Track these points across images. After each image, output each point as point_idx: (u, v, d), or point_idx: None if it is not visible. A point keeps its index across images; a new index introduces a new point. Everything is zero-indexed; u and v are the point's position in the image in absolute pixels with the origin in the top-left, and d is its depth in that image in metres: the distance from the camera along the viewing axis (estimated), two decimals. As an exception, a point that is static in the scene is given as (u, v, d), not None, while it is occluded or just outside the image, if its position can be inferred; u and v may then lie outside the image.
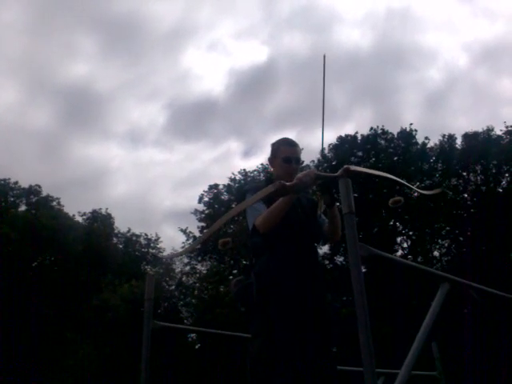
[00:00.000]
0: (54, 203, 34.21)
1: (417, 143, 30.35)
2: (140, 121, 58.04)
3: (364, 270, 25.51)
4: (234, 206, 27.61)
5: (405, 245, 30.11)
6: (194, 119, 55.71)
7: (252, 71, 57.79)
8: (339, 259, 29.21)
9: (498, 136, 28.70)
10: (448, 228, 29.18)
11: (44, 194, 34.44)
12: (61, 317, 28.55)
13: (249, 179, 31.71)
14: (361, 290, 2.12)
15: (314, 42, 54.43)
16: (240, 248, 25.78)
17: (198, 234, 31.69)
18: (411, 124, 30.78)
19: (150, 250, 36.37)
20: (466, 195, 29.07)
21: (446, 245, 29.73)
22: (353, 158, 29.61)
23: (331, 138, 31.85)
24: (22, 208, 34.06)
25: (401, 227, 30.18)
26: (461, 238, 28.27)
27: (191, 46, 63.54)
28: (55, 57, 54.70)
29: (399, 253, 29.35)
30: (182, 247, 32.05)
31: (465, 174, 29.10)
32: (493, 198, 27.00)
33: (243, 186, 29.90)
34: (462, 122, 49.72)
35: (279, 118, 52.42)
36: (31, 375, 26.17)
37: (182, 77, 59.17)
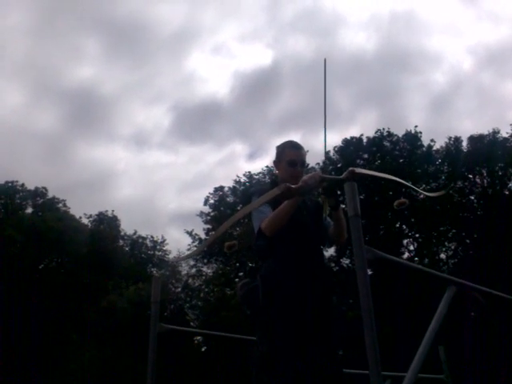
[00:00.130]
0: (60, 205, 34.34)
1: (422, 146, 30.28)
2: (145, 123, 58.21)
3: (370, 273, 25.50)
4: (239, 208, 27.61)
5: (411, 247, 30.04)
6: (198, 122, 55.80)
7: (256, 74, 57.91)
8: (345, 262, 29.18)
9: (504, 138, 28.62)
10: (454, 230, 29.08)
11: (50, 196, 34.60)
12: (66, 319, 28.60)
13: (254, 182, 31.72)
14: (367, 292, 2.12)
15: (318, 45, 54.48)
16: (245, 250, 25.77)
17: (203, 236, 31.74)
18: (416, 126, 30.75)
19: (156, 253, 36.42)
20: (472, 197, 28.97)
21: (453, 247, 29.62)
22: (358, 161, 29.57)
23: (336, 140, 31.84)
24: (29, 210, 34.21)
25: (407, 230, 30.10)
26: (467, 241, 28.17)
27: (196, 49, 63.82)
28: (60, 59, 54.90)
29: (405, 255, 29.26)
30: (188, 249, 32.11)
31: (471, 176, 29.00)
32: (499, 200, 26.90)
33: (248, 189, 29.92)
34: (467, 124, 49.57)
35: (284, 120, 52.48)
36: (35, 378, 26.21)
37: (187, 79, 59.32)
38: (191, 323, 31.18)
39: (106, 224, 34.97)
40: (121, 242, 35.80)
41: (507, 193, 28.10)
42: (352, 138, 30.87)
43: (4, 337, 26.09)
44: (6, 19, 54.48)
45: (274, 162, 3.39)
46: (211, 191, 33.29)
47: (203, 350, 30.25)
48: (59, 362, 27.06)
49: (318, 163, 27.41)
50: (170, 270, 33.49)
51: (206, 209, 32.87)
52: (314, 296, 3.00)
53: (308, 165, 20.99)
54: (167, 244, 36.45)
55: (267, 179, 30.40)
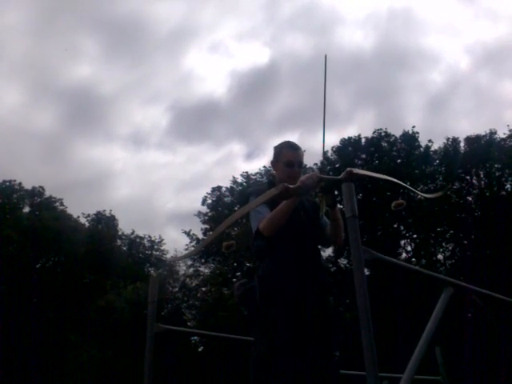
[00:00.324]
0: (57, 204, 34.29)
1: (420, 146, 30.30)
2: (143, 123, 58.15)
3: (367, 273, 25.50)
4: (236, 208, 27.61)
5: (409, 248, 30.07)
6: (196, 121, 55.81)
7: (254, 73, 57.86)
8: (343, 262, 29.19)
9: (502, 139, 28.64)
10: (452, 231, 29.11)
11: (47, 195, 34.56)
12: (63, 319, 28.57)
13: (251, 182, 31.73)
14: (364, 293, 2.12)
15: (316, 43, 54.44)
16: (243, 250, 25.77)
17: (201, 236, 31.72)
18: (413, 127, 30.76)
19: (154, 252, 36.41)
20: (469, 198, 28.99)
21: (450, 248, 29.65)
22: (356, 161, 29.57)
23: (334, 140, 31.86)
24: (26, 210, 34.15)
25: (404, 230, 30.12)
26: (465, 242, 28.20)
27: (193, 48, 63.71)
28: (58, 59, 54.83)
29: (403, 256, 29.28)
30: (186, 249, 32.06)
31: (468, 177, 29.03)
32: (496, 201, 26.93)
33: (246, 189, 29.93)
34: (464, 124, 49.58)
35: (281, 119, 52.48)
36: (34, 378, 26.18)
37: (185, 79, 59.31)
38: (188, 323, 31.17)
39: (104, 223, 34.95)
40: (118, 242, 35.78)
41: (504, 193, 28.12)
42: (350, 138, 30.89)
43: (2, 337, 26.04)
44: (4, 18, 54.45)
45: (272, 162, 3.39)
46: (209, 191, 33.32)
47: (200, 350, 30.24)
48: (57, 362, 27.03)
49: (316, 163, 27.42)
50: (167, 269, 33.48)
51: (204, 209, 32.90)
52: (312, 296, 3.00)
53: (306, 165, 20.99)
54: (165, 244, 36.48)
55: (265, 179, 30.39)
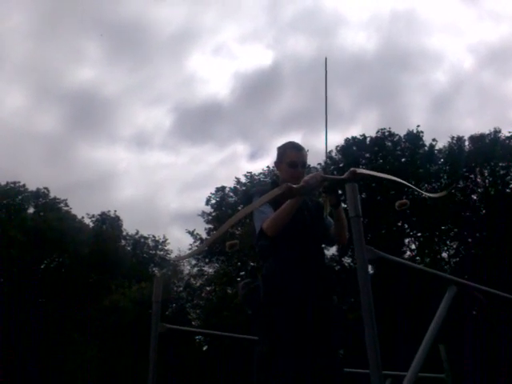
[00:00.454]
0: (62, 205, 34.39)
1: (424, 145, 30.24)
2: (146, 124, 58.26)
3: (371, 272, 25.48)
4: (240, 208, 27.64)
5: (413, 246, 30.02)
6: (199, 122, 55.75)
7: (257, 74, 57.78)
8: (347, 261, 29.16)
9: (506, 137, 28.56)
10: (456, 229, 29.05)
11: (52, 196, 34.64)
12: (68, 319, 28.65)
13: (255, 182, 31.72)
14: (368, 292, 2.13)
15: (318, 44, 54.36)
16: (247, 249, 25.78)
17: (205, 235, 31.73)
18: (418, 126, 30.71)
19: (158, 252, 36.46)
20: (474, 197, 28.93)
21: (455, 246, 29.59)
22: (360, 160, 29.54)
23: (338, 140, 31.81)
24: (31, 211, 34.25)
25: (409, 229, 30.08)
26: (469, 240, 28.14)
27: (196, 50, 63.89)
28: (61, 61, 54.96)
29: (407, 254, 29.24)
30: (190, 249, 32.11)
31: (472, 176, 28.96)
32: (501, 199, 26.87)
33: (249, 189, 29.93)
34: (468, 123, 49.48)
35: (285, 120, 52.40)
36: (37, 377, 26.28)
37: (188, 80, 59.25)
38: (193, 322, 31.21)
39: (109, 224, 35.01)
40: (123, 242, 35.85)
41: (509, 191, 28.05)
42: (354, 137, 30.86)
43: (6, 336, 26.15)
44: (7, 21, 54.54)
45: (275, 162, 3.40)
46: (213, 191, 33.31)
47: (204, 349, 30.27)
48: (61, 362, 27.11)
49: (320, 163, 27.41)
50: (171, 269, 33.53)
51: (208, 209, 32.90)
52: (315, 296, 3.01)
53: (309, 165, 20.99)
54: (169, 244, 36.50)
55: (268, 179, 30.40)
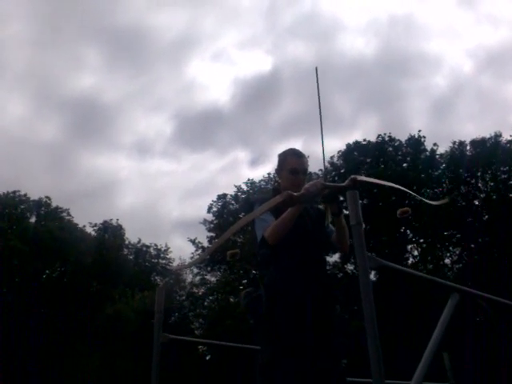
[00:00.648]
0: (64, 214, 34.37)
1: (426, 150, 30.21)
2: (147, 131, 58.48)
3: (374, 279, 25.41)
4: (241, 215, 27.60)
5: (415, 252, 29.94)
6: (200, 129, 55.98)
7: (257, 80, 58.03)
8: (349, 268, 29.10)
9: (508, 141, 28.51)
10: (459, 235, 28.97)
11: (54, 205, 34.62)
12: (70, 328, 28.59)
13: (256, 189, 31.70)
14: (369, 301, 2.12)
15: (317, 50, 54.66)
16: (249, 257, 25.73)
17: (206, 243, 31.69)
18: (420, 131, 30.71)
19: (160, 261, 36.40)
20: (476, 202, 28.87)
21: (457, 252, 29.51)
22: (361, 166, 29.54)
23: (339, 145, 31.88)
24: (32, 220, 34.23)
25: (411, 235, 30.01)
26: (472, 246, 28.06)
27: (196, 57, 64.12)
28: (61, 69, 55.27)
29: (410, 261, 29.15)
30: (191, 257, 32.08)
31: (473, 181, 28.91)
32: (503, 204, 26.80)
33: (250, 197, 29.91)
34: (469, 128, 49.56)
35: (285, 126, 52.53)
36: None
37: (188, 87, 59.55)
38: (196, 332, 31.11)
39: (111, 233, 34.98)
40: (125, 251, 35.82)
41: (511, 195, 27.96)
42: (355, 143, 30.87)
43: (8, 345, 26.08)
44: (7, 29, 54.87)
45: (276, 170, 3.40)
46: (214, 199, 33.27)
47: (208, 358, 30.16)
48: (64, 371, 27.02)
49: (321, 169, 27.44)
50: (173, 278, 33.46)
51: (210, 216, 32.85)
52: (318, 305, 2.99)
53: (310, 172, 20.97)
54: (171, 252, 36.46)
55: (269, 186, 30.38)
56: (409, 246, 29.99)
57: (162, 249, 36.36)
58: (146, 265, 36.00)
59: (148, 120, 56.90)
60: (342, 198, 3.07)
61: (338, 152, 30.58)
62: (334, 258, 27.86)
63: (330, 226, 3.23)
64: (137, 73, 57.52)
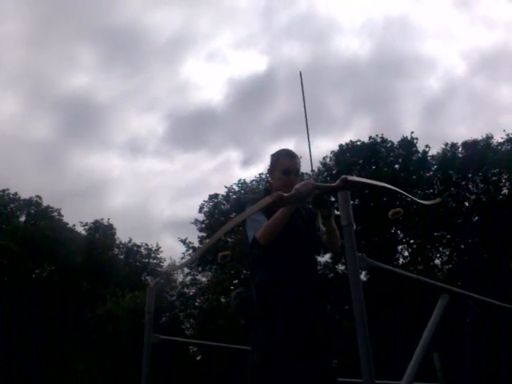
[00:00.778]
0: (55, 214, 34.19)
1: (418, 151, 30.32)
2: (139, 131, 58.20)
3: (365, 279, 25.47)
4: (233, 216, 27.59)
5: (406, 253, 30.06)
6: (193, 129, 55.88)
7: (251, 81, 58.02)
8: (341, 268, 29.15)
9: (499, 143, 28.67)
10: (449, 236, 29.11)
11: (45, 204, 34.42)
12: (61, 328, 28.45)
13: (247, 189, 31.67)
14: (360, 301, 2.12)
15: (312, 51, 54.77)
16: (241, 258, 25.72)
17: (197, 244, 31.60)
18: (412, 132, 30.80)
19: (151, 261, 36.30)
20: (466, 204, 29.01)
21: (448, 253, 29.65)
22: (354, 167, 29.60)
23: (331, 146, 31.96)
24: (22, 219, 34.00)
25: (402, 235, 30.12)
26: (462, 246, 28.20)
27: (190, 56, 63.93)
28: (55, 68, 55.03)
29: (400, 261, 29.26)
30: (182, 258, 32.05)
31: (463, 183, 29.04)
32: (494, 206, 26.95)
33: (241, 198, 29.92)
34: (461, 130, 49.80)
35: (278, 126, 52.51)
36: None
37: (182, 87, 59.39)
38: (187, 332, 31.04)
39: (102, 232, 34.84)
40: (116, 251, 35.68)
41: (502, 198, 28.13)
42: (347, 143, 30.93)
43: (0, 346, 25.91)
44: (1, 27, 54.49)
45: (269, 170, 3.42)
46: (206, 199, 33.18)
47: (198, 358, 30.10)
48: (56, 371, 26.88)
49: (313, 170, 27.46)
50: (164, 278, 33.36)
51: (201, 216, 32.76)
52: (309, 304, 3.00)
53: (302, 173, 20.95)
54: (162, 252, 36.35)
55: (261, 187, 30.37)
56: (399, 247, 30.10)
57: (153, 248, 36.28)
58: (137, 265, 35.88)
59: (141, 119, 56.85)
60: (333, 199, 3.07)
61: (331, 152, 30.68)
62: (325, 258, 27.91)
63: (321, 226, 3.25)
64: (131, 72, 57.36)
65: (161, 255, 36.11)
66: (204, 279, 31.88)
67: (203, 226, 32.20)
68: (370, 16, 59.28)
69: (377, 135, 30.83)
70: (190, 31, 61.35)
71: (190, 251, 31.67)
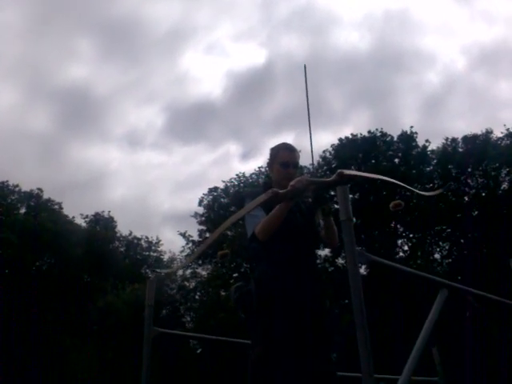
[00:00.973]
0: (56, 207, 34.19)
1: (417, 146, 30.27)
2: (138, 123, 58.21)
3: (365, 273, 25.48)
4: (232, 209, 27.61)
5: (405, 247, 30.07)
6: (192, 122, 55.80)
7: (250, 73, 57.89)
8: (341, 262, 29.17)
9: (498, 138, 28.64)
10: (449, 230, 29.12)
11: (45, 197, 34.41)
12: (62, 321, 28.50)
13: (246, 182, 31.64)
14: (359, 296, 2.12)
15: (312, 43, 54.62)
16: (241, 252, 25.74)
17: (197, 237, 31.64)
18: (412, 127, 30.72)
19: (151, 254, 36.36)
20: (466, 198, 28.99)
21: (447, 247, 29.66)
22: (352, 161, 29.56)
23: (330, 139, 31.91)
24: (22, 211, 33.95)
25: (402, 229, 30.11)
26: (462, 241, 28.21)
27: (189, 48, 63.72)
28: (54, 59, 54.75)
29: (400, 255, 29.26)
30: (182, 251, 32.18)
31: (462, 178, 29.00)
32: (493, 200, 26.95)
33: (241, 191, 29.92)
34: (460, 124, 49.72)
35: (278, 120, 52.44)
36: (33, 380, 26.10)
37: (180, 79, 59.21)
38: (187, 325, 31.12)
39: (102, 225, 34.86)
40: (116, 243, 35.72)
41: (501, 192, 28.13)
42: (347, 137, 30.88)
43: (0, 339, 25.97)
44: (-1, 18, 54.28)
45: (268, 163, 3.43)
46: (205, 192, 33.17)
47: (198, 351, 30.18)
48: (56, 364, 26.96)
49: (313, 164, 27.41)
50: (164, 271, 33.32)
51: (201, 210, 32.76)
52: (309, 298, 3.00)
53: (301, 166, 20.94)
54: (162, 245, 36.42)
55: (260, 180, 30.36)
56: (399, 241, 30.10)
57: (153, 241, 36.36)
58: (137, 257, 35.93)
59: (140, 112, 56.76)
60: (333, 193, 3.06)
61: (331, 146, 30.64)
62: (325, 251, 27.92)
63: (320, 221, 3.24)
64: (129, 64, 57.30)
65: (161, 248, 36.23)
66: (204, 273, 31.94)
67: (203, 219, 32.21)
68: (369, 9, 59.17)
69: (376, 129, 30.79)
70: (188, 23, 61.22)
71: (190, 245, 31.72)
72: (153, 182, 55.24)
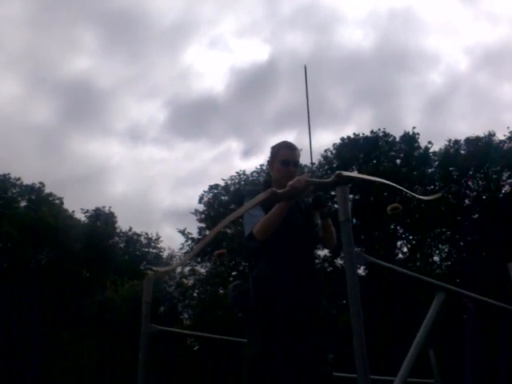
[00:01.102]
0: (57, 201, 34.19)
1: (419, 147, 30.21)
2: (140, 118, 58.07)
3: (363, 274, 25.49)
4: (232, 207, 27.60)
5: (405, 249, 30.05)
6: (194, 117, 55.61)
7: (253, 69, 57.71)
8: (339, 262, 29.17)
9: (501, 141, 28.58)
10: (449, 233, 29.09)
11: (47, 191, 34.40)
12: (60, 315, 28.53)
13: (247, 180, 31.61)
14: (356, 297, 2.12)
15: (315, 41, 54.52)
16: (239, 249, 25.75)
17: (196, 235, 31.60)
18: (414, 128, 30.67)
19: (151, 250, 36.36)
20: (467, 201, 28.96)
21: (447, 250, 29.64)
22: (355, 161, 29.54)
23: (332, 139, 31.88)
24: (22, 205, 33.93)
25: (401, 230, 30.09)
26: (461, 244, 28.18)
27: (193, 43, 63.49)
28: (56, 51, 54.67)
29: (399, 257, 29.25)
30: (181, 248, 32.11)
31: (463, 180, 28.96)
32: (494, 203, 26.92)
33: (241, 189, 29.88)
34: (463, 126, 49.63)
35: (280, 117, 52.25)
36: (31, 374, 26.15)
37: (183, 74, 59.09)
38: (185, 322, 31.12)
39: (102, 220, 34.85)
40: (116, 239, 35.72)
41: (502, 195, 28.09)
42: (348, 137, 30.84)
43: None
44: (2, 9, 54.21)
45: (269, 161, 3.44)
46: (206, 189, 33.12)
47: (195, 349, 30.21)
48: (55, 358, 26.98)
49: (314, 163, 27.43)
50: (162, 267, 33.31)
51: (201, 207, 32.73)
52: (306, 298, 3.00)
53: (301, 164, 20.93)
54: (162, 241, 36.41)
55: (261, 178, 30.33)
56: (398, 243, 30.08)
57: (153, 238, 36.35)
58: (137, 254, 35.93)
59: (142, 106, 56.61)
60: (333, 193, 3.06)
61: (333, 145, 30.63)
62: (324, 251, 27.93)
63: (318, 221, 3.25)
64: (132, 58, 57.07)
65: (160, 245, 36.22)
66: (203, 270, 31.94)
67: (203, 216, 32.17)
68: (374, 7, 59.00)
69: (379, 129, 30.75)
70: (192, 17, 60.96)
71: (189, 242, 31.69)
72: (154, 178, 55.22)
